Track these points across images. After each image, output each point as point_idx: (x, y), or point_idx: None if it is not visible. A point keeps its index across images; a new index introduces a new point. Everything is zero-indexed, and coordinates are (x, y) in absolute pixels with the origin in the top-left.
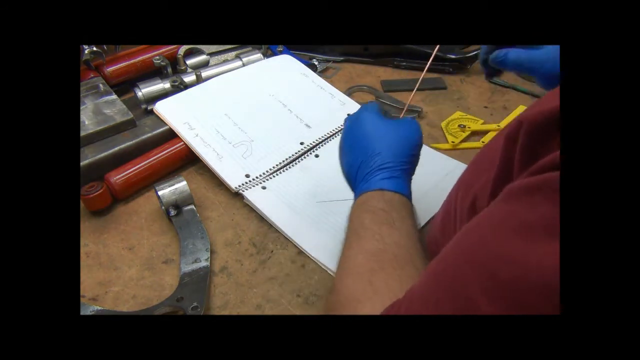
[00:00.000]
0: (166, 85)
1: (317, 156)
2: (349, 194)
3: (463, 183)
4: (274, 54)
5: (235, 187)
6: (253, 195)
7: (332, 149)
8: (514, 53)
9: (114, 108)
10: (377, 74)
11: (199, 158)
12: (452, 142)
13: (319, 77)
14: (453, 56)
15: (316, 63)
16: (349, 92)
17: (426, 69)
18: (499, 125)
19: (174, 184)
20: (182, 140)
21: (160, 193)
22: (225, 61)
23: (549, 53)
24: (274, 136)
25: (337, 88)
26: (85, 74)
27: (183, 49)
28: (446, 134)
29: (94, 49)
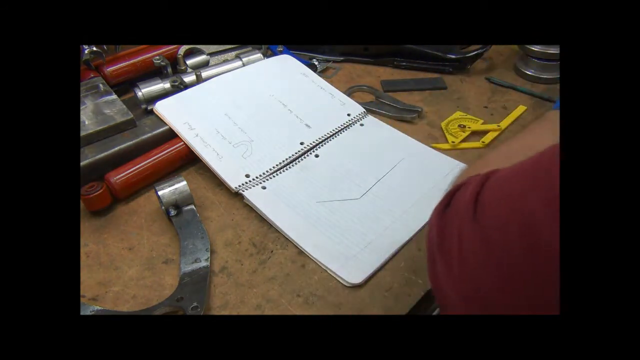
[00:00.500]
0: (166, 85)
1: (317, 156)
2: (349, 194)
3: None
4: (274, 54)
5: (235, 187)
6: (253, 195)
7: (332, 149)
8: None
9: (114, 108)
10: (377, 74)
11: (199, 158)
12: (452, 142)
13: (319, 77)
14: (453, 56)
15: (316, 63)
16: (349, 92)
17: None
18: (499, 125)
19: (174, 184)
20: (182, 140)
21: (160, 193)
22: (225, 61)
23: None
24: (274, 136)
25: (337, 88)
26: (85, 74)
27: (183, 49)
28: (446, 134)
29: (94, 49)
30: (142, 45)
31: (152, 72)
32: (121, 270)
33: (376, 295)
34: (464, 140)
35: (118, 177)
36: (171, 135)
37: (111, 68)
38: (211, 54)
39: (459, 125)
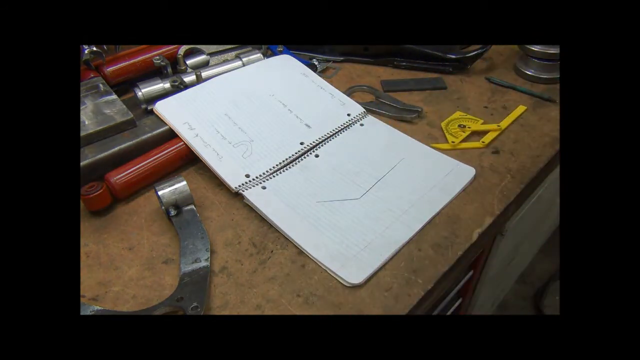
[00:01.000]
0: (166, 85)
1: (317, 156)
2: (349, 194)
3: None
4: (274, 54)
5: (235, 187)
6: (253, 195)
7: (332, 149)
8: None
9: (114, 108)
10: (377, 74)
11: (199, 158)
12: (452, 142)
13: (319, 77)
14: (453, 56)
15: (316, 63)
16: (349, 92)
17: None
18: (499, 125)
19: (174, 184)
20: (182, 140)
21: (160, 193)
22: (225, 61)
23: None
24: (274, 136)
25: (337, 88)
26: (85, 74)
27: (183, 49)
28: (446, 134)
29: (94, 49)
30: (142, 45)
31: (152, 72)
32: (121, 270)
33: (376, 295)
34: (464, 140)
35: (118, 177)
36: (171, 135)
37: (111, 68)
38: (211, 54)
39: (459, 125)
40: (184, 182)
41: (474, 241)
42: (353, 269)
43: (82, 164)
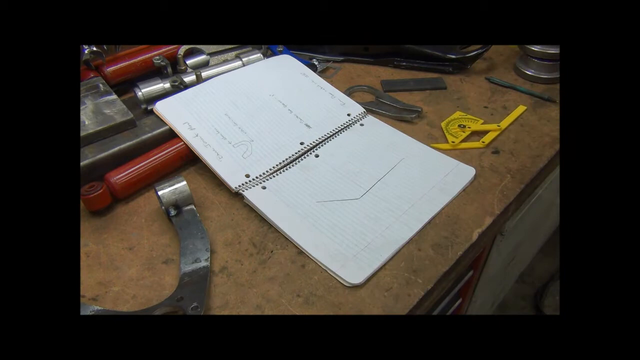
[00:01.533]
0: (166, 85)
1: (317, 156)
2: (349, 194)
3: None
4: (274, 54)
5: (235, 188)
6: (253, 195)
7: (332, 149)
8: None
9: (114, 108)
10: (377, 74)
11: (199, 158)
12: (452, 142)
13: (319, 77)
14: (453, 56)
15: (316, 63)
16: (349, 92)
17: None
18: (499, 125)
19: (174, 184)
20: (182, 140)
21: (160, 193)
22: (225, 61)
23: None
24: (274, 136)
25: (337, 88)
26: (85, 74)
27: (183, 49)
28: (446, 134)
29: (94, 49)
30: (142, 45)
31: (152, 72)
32: (121, 270)
33: (376, 295)
34: (464, 140)
35: (118, 177)
36: (171, 135)
37: (111, 68)
38: (211, 54)
39: (459, 125)
40: (184, 182)
41: (474, 241)
42: (353, 269)
43: (82, 164)
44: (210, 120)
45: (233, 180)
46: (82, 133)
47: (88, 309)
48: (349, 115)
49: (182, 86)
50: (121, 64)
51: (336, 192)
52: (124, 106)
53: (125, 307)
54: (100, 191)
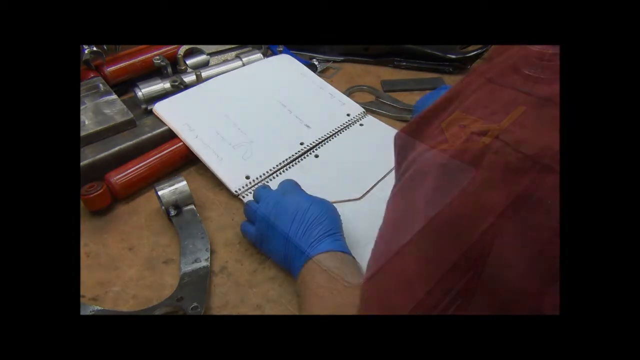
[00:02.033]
0: (166, 85)
1: (317, 156)
2: (348, 194)
3: None
4: (274, 54)
5: (236, 190)
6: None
7: (332, 149)
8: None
9: (114, 108)
10: (377, 74)
11: (199, 158)
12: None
13: (318, 77)
14: (453, 56)
15: (316, 63)
16: (349, 92)
17: None
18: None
19: (174, 184)
20: (183, 142)
21: (160, 193)
22: (225, 61)
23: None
24: (274, 137)
25: (337, 88)
26: (85, 74)
27: (183, 49)
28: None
29: (94, 49)
30: (142, 45)
31: (152, 72)
32: (121, 270)
33: None
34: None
35: (118, 177)
36: (171, 135)
37: (111, 68)
38: (211, 54)
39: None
40: (184, 182)
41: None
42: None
43: (82, 164)
44: (210, 122)
45: (233, 183)
46: (82, 133)
47: (88, 309)
48: (348, 115)
49: (182, 86)
50: (121, 64)
51: (336, 192)
52: (124, 106)
53: (125, 307)
54: (100, 191)
